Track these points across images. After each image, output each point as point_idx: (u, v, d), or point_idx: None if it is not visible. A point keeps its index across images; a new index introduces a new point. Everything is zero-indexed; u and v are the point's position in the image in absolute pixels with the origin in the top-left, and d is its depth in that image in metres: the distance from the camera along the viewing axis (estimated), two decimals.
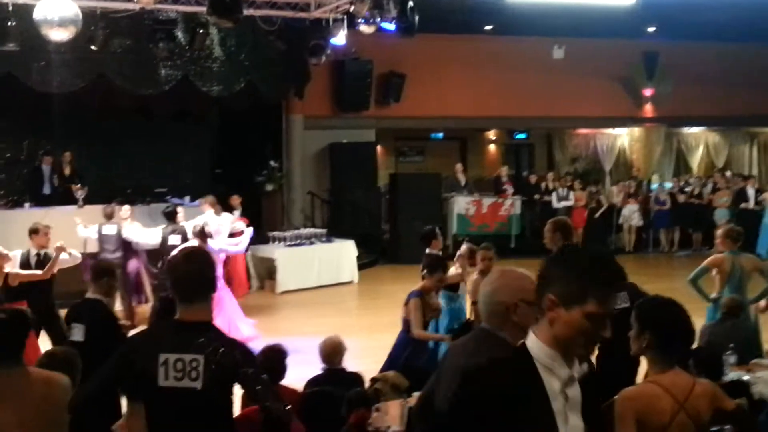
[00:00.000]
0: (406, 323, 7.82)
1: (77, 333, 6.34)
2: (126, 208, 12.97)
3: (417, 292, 7.84)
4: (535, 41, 20.81)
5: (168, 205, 13.73)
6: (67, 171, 16.21)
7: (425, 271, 8.06)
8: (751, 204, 19.88)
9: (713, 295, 8.75)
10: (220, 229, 12.68)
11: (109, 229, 12.56)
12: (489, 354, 3.29)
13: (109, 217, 12.59)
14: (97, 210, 13.21)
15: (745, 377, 6.48)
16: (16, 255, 9.59)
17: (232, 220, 13.91)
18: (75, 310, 6.62)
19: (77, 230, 12.51)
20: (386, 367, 7.58)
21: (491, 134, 25.12)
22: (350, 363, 7.25)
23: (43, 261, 9.58)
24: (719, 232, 9.19)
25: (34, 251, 9.70)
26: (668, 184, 21.71)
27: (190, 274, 3.75)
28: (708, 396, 3.71)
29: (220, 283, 11.06)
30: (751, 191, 20.21)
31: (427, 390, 3.95)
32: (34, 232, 9.84)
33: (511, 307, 3.40)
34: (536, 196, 20.46)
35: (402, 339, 7.87)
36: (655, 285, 7.48)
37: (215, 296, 3.76)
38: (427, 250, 9.37)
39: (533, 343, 2.68)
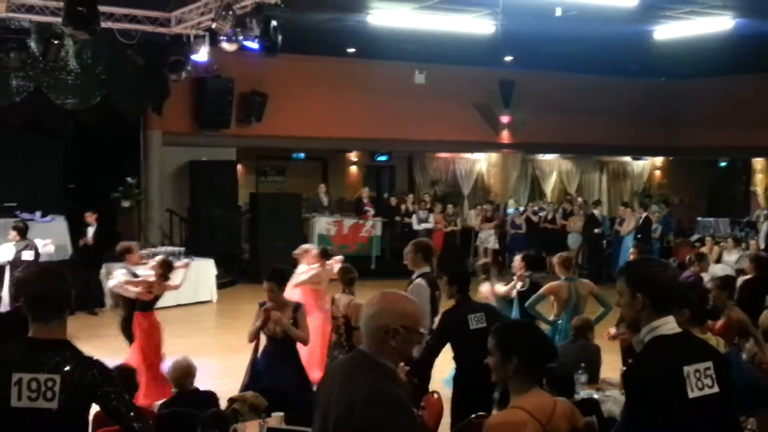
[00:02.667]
0: None
1: None
2: None
3: (261, 302, 7.97)
4: (397, 65, 21.09)
5: (18, 219, 13.16)
6: None
7: None
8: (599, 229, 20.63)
9: (551, 318, 9.11)
10: None
11: None
12: (366, 380, 3.25)
13: None
14: None
15: (596, 395, 6.74)
16: None
17: None
18: None
19: None
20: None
21: (353, 156, 25.28)
22: (208, 383, 7.16)
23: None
24: (554, 259, 9.59)
25: (132, 269, 10.03)
26: (523, 209, 22.32)
27: (45, 292, 3.63)
28: (567, 415, 3.82)
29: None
30: (598, 214, 20.99)
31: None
32: (127, 251, 10.11)
33: (390, 331, 3.33)
34: (397, 218, 20.68)
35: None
36: None
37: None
38: None
39: None
